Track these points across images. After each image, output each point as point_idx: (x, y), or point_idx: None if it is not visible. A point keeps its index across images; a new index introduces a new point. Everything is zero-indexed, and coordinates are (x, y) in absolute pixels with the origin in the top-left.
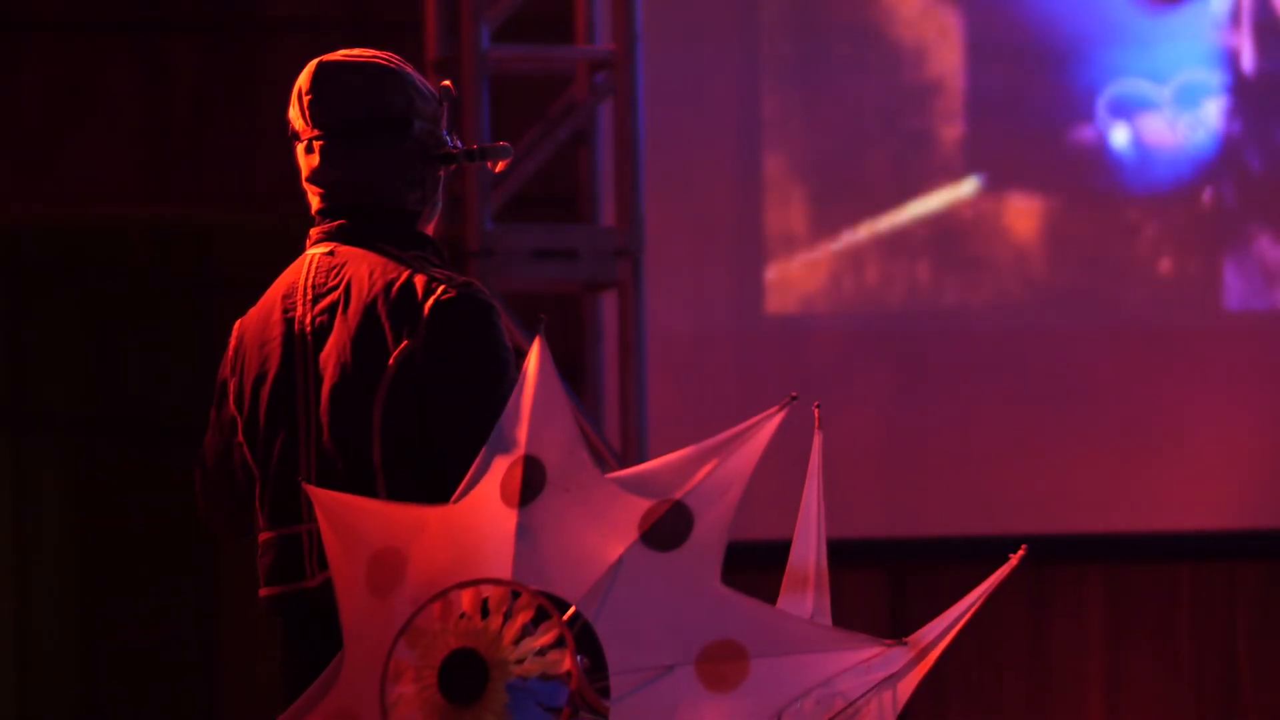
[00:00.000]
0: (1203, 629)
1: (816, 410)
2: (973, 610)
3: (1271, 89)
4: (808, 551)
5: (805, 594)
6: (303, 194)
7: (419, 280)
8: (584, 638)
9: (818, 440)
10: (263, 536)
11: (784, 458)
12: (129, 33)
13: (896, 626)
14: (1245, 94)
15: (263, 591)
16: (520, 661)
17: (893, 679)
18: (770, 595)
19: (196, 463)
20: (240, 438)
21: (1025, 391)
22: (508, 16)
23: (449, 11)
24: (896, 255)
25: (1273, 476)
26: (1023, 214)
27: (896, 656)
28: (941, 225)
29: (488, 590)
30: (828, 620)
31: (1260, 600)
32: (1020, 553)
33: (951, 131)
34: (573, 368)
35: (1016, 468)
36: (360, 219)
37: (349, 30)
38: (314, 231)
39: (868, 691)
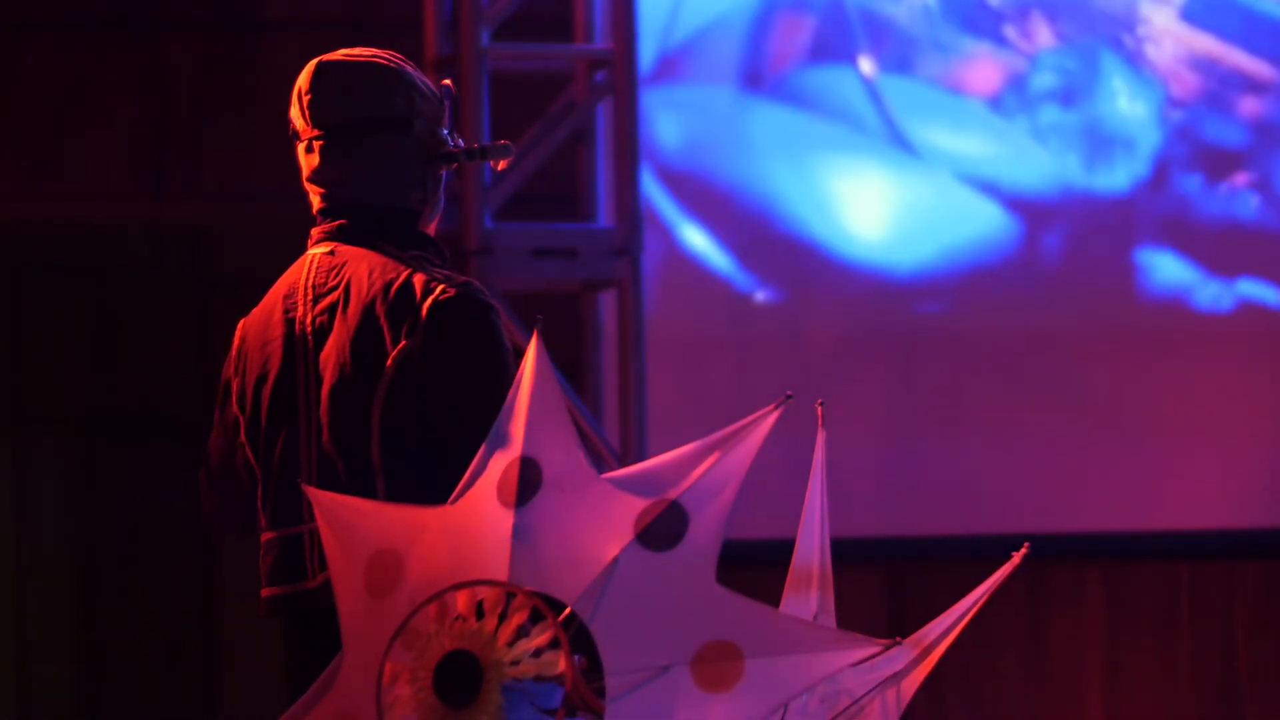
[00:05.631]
0: (1202, 628)
1: (820, 408)
2: (976, 608)
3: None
4: (811, 549)
5: (809, 592)
6: (303, 193)
7: (418, 280)
8: (580, 638)
9: (821, 438)
10: (265, 537)
11: (783, 456)
12: (129, 33)
13: (895, 626)
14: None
15: (264, 592)
16: (515, 663)
17: (897, 677)
18: (770, 594)
19: (201, 464)
20: (243, 438)
21: (1024, 391)
22: (507, 16)
23: (448, 11)
24: (896, 255)
25: (1273, 476)
26: (1021, 214)
27: (899, 654)
28: (940, 225)
29: (483, 592)
30: (832, 618)
31: (1260, 600)
32: (1023, 551)
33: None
34: (572, 367)
35: (1015, 467)
36: (361, 219)
37: (348, 30)
38: (315, 231)
39: (872, 689)
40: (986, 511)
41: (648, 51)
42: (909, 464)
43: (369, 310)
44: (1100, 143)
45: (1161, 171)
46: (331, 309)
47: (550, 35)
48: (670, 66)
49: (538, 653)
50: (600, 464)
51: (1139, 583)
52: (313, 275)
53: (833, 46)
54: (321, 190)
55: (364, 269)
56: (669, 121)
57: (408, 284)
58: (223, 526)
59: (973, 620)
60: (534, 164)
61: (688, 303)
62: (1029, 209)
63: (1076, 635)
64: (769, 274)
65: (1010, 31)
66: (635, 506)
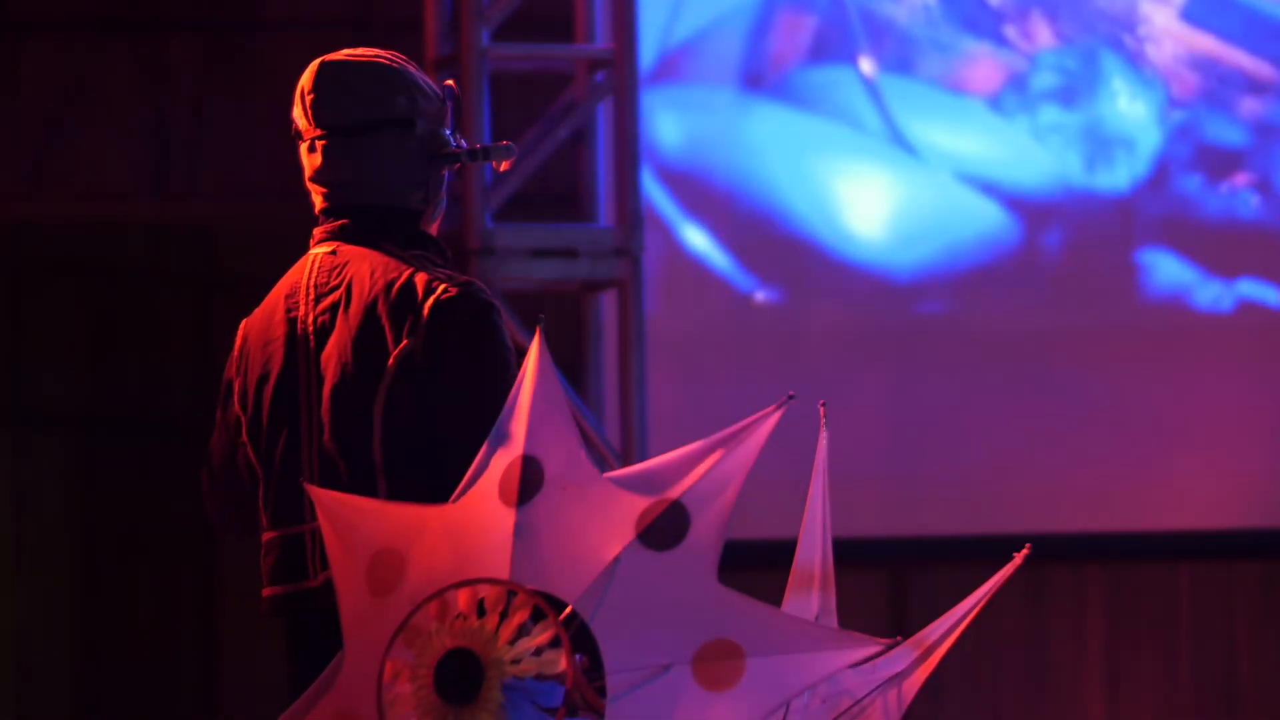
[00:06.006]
0: (1202, 628)
1: (822, 409)
2: (977, 609)
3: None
4: (813, 550)
5: (811, 593)
6: (303, 193)
7: (419, 280)
8: (581, 637)
9: (823, 439)
10: (266, 536)
11: (785, 456)
12: (129, 32)
13: (896, 626)
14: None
15: (266, 591)
16: (516, 661)
17: (898, 678)
18: (772, 595)
19: (203, 463)
20: (244, 438)
21: (1024, 391)
22: (507, 15)
23: (449, 10)
24: (896, 255)
25: (1272, 476)
26: (1021, 214)
27: (901, 655)
28: (941, 225)
29: (484, 590)
30: (834, 618)
31: (1260, 599)
32: (1024, 552)
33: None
34: (573, 367)
35: (1016, 467)
36: (363, 218)
37: (349, 30)
38: (317, 231)
39: (873, 690)
40: (987, 511)
41: (648, 51)
42: (909, 464)
43: (371, 310)
44: (1100, 143)
45: (1161, 171)
46: (333, 308)
47: (550, 35)
48: (670, 66)
49: (539, 651)
50: (601, 464)
51: (1139, 582)
52: (314, 275)
53: (833, 46)
54: (324, 190)
55: (366, 268)
56: (669, 121)
57: (409, 283)
58: (224, 526)
59: (973, 621)
60: (534, 164)
61: (688, 303)
62: (1029, 209)
63: (1076, 635)
64: (769, 274)
65: (1010, 31)
66: (637, 506)
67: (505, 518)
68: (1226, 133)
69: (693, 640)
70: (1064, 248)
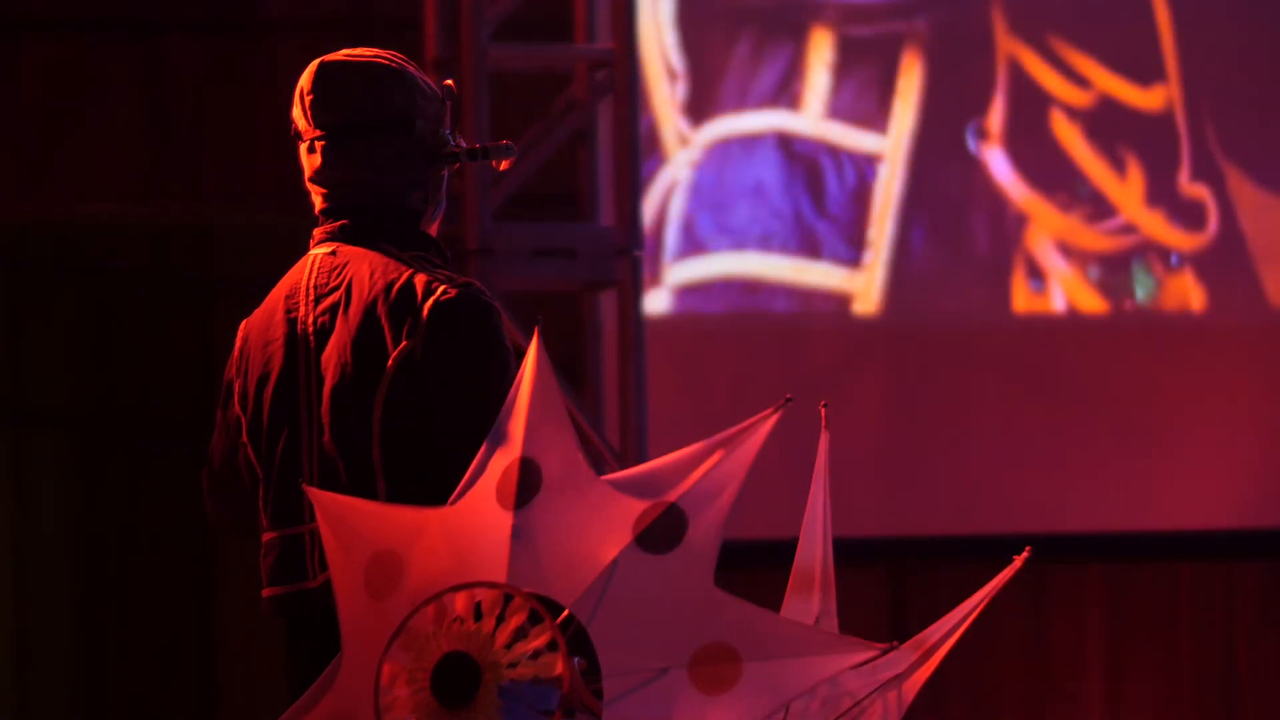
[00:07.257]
0: (1202, 628)
1: (823, 410)
2: (977, 611)
3: None
4: (814, 552)
5: (811, 594)
6: (303, 193)
7: (419, 280)
8: (578, 640)
9: (824, 440)
10: (265, 537)
11: (786, 457)
12: (128, 32)
13: (896, 626)
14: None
15: (265, 592)
16: (513, 665)
17: (898, 679)
18: (771, 596)
19: (204, 464)
20: (244, 438)
21: (1025, 391)
22: (507, 15)
23: (449, 10)
24: (897, 255)
25: (1272, 476)
26: (1024, 213)
27: (900, 658)
28: (942, 224)
29: (481, 593)
30: (834, 620)
31: (1259, 599)
32: (1024, 554)
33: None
34: (572, 367)
35: (1016, 467)
36: (362, 219)
37: (349, 29)
38: (317, 231)
39: (874, 691)
40: (988, 512)
41: (648, 51)
42: (909, 464)
43: (370, 310)
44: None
45: (1162, 171)
46: (333, 309)
47: (550, 35)
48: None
49: (536, 654)
50: (600, 465)
51: (1139, 582)
52: (314, 275)
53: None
54: (323, 190)
55: (365, 269)
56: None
57: (409, 284)
58: (224, 526)
59: (974, 621)
60: (534, 164)
61: (688, 303)
62: (1029, 208)
63: (1077, 634)
64: (769, 274)
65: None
66: (634, 509)
67: (503, 520)
68: (1226, 132)
69: (689, 643)
70: (1064, 248)
